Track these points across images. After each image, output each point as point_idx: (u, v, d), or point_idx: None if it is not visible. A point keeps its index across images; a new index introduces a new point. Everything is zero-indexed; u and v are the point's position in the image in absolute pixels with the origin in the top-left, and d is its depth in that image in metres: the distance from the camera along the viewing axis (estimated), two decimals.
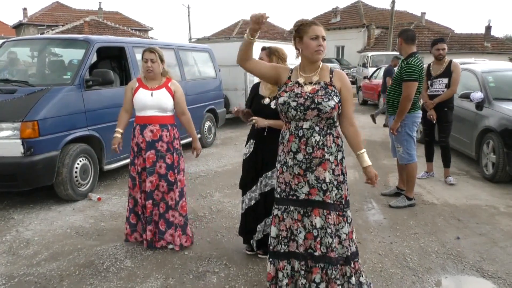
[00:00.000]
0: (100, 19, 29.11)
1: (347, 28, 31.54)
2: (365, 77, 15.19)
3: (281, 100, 2.48)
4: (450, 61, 5.34)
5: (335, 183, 2.48)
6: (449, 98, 5.29)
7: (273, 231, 2.58)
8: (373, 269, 3.26)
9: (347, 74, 20.70)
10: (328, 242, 2.46)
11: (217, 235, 3.89)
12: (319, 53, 2.45)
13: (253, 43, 2.48)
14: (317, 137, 2.44)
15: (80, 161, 4.83)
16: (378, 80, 13.76)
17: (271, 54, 3.26)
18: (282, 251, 2.55)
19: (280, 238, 2.56)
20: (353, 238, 2.58)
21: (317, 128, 2.45)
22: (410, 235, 3.90)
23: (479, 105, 5.95)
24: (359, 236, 3.86)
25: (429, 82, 5.40)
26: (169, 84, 3.53)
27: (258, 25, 2.38)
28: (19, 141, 4.18)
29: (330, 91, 2.45)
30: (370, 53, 20.04)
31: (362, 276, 2.60)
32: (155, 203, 3.51)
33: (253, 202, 3.30)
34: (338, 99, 2.45)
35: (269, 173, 3.21)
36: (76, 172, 4.76)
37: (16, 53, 6.06)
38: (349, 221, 2.54)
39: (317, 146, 2.44)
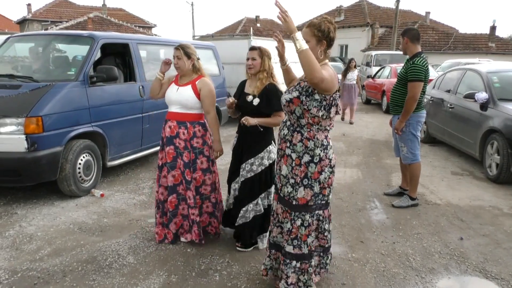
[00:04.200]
0: (104, 16, 29.11)
1: (351, 27, 31.43)
2: (368, 76, 15.15)
3: None
4: None
5: (291, 181, 2.53)
6: None
7: None
8: (375, 269, 3.26)
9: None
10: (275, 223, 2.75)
11: (220, 233, 3.89)
12: None
13: (288, 69, 2.97)
14: (285, 131, 2.58)
15: (84, 157, 4.83)
16: (382, 80, 13.73)
17: (263, 55, 3.37)
18: None
19: None
20: (303, 239, 2.58)
21: (288, 123, 2.58)
22: (413, 235, 3.90)
23: (484, 106, 5.93)
24: (362, 236, 3.86)
25: None
26: (197, 82, 3.47)
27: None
28: (23, 136, 4.19)
29: (297, 86, 2.51)
30: (374, 52, 19.98)
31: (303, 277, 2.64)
32: (181, 197, 3.54)
33: (237, 192, 3.46)
34: (297, 94, 2.44)
35: (243, 165, 3.36)
36: (79, 168, 4.77)
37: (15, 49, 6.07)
38: (299, 223, 2.56)
39: (284, 139, 2.57)
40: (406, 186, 4.86)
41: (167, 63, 3.58)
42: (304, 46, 2.23)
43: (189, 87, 3.46)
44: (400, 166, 4.94)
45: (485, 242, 3.78)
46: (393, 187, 5.24)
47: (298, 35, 2.25)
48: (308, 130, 2.48)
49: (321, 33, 2.46)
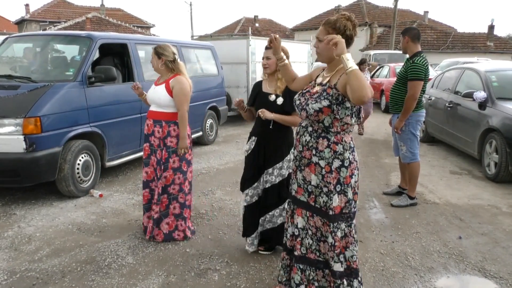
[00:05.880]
0: (102, 16, 29.07)
1: None
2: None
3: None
4: None
5: (325, 190, 2.35)
6: None
7: None
8: (375, 268, 3.26)
9: None
10: (309, 243, 2.47)
11: (219, 233, 3.89)
12: (317, 54, 2.47)
13: (287, 66, 2.75)
14: (307, 138, 2.40)
15: (82, 157, 4.83)
16: (380, 79, 13.74)
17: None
18: (284, 241, 2.70)
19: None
20: (342, 253, 2.38)
21: (310, 129, 2.40)
22: (412, 234, 3.90)
23: (482, 105, 5.94)
24: (361, 235, 3.86)
25: None
26: (170, 80, 3.56)
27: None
28: (22, 137, 4.18)
29: (325, 94, 2.31)
30: (372, 52, 20.03)
31: None
32: (152, 193, 3.67)
33: (254, 198, 3.33)
34: (328, 103, 2.27)
35: (270, 170, 3.24)
36: (78, 169, 4.76)
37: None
38: (339, 235, 2.36)
39: (306, 147, 2.40)
40: (405, 186, 4.87)
41: (135, 88, 3.80)
42: (353, 66, 2.09)
43: (163, 86, 3.56)
44: (399, 165, 4.95)
45: (484, 241, 3.78)
46: (392, 186, 5.25)
47: (347, 56, 2.11)
48: (335, 134, 2.34)
49: (335, 31, 2.30)
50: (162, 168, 3.56)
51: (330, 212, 2.34)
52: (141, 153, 5.86)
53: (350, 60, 2.10)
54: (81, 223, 4.11)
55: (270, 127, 3.16)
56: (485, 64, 8.12)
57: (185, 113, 3.55)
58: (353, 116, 2.33)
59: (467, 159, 6.65)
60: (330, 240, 2.37)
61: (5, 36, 6.44)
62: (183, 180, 3.63)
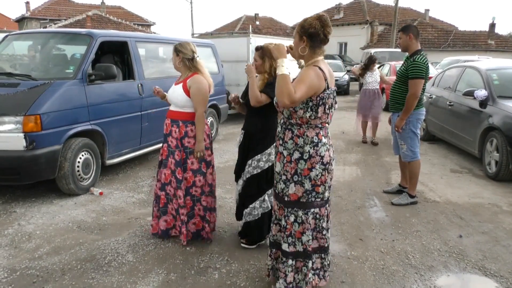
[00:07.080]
0: (102, 14, 29.05)
1: (350, 24, 31.40)
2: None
3: None
4: None
5: (283, 177, 2.57)
6: None
7: None
8: (375, 267, 3.26)
9: (348, 71, 20.10)
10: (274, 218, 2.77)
11: (219, 231, 3.89)
12: None
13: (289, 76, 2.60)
14: (279, 129, 2.64)
15: (82, 155, 4.82)
16: None
17: (264, 55, 3.29)
18: None
19: None
20: (297, 236, 2.57)
21: (281, 121, 2.62)
22: (412, 233, 3.90)
23: (483, 103, 5.93)
24: (361, 233, 3.86)
25: None
26: (188, 79, 3.45)
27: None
28: (22, 134, 4.18)
29: None
30: (373, 50, 19.99)
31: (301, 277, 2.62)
32: (168, 197, 3.56)
33: (239, 188, 3.47)
34: None
35: (249, 161, 3.34)
36: (78, 167, 4.76)
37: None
38: (292, 219, 2.56)
39: (278, 137, 2.64)
40: (405, 184, 4.86)
41: (155, 92, 3.77)
42: (281, 72, 2.31)
43: (180, 85, 3.47)
44: (399, 164, 4.94)
45: (484, 239, 3.78)
46: (392, 185, 5.24)
47: (281, 61, 2.36)
48: (298, 127, 2.50)
49: (302, 29, 2.43)
50: (182, 168, 3.47)
51: (286, 198, 2.57)
52: (141, 151, 5.93)
53: (280, 66, 2.34)
54: (81, 221, 4.11)
55: (242, 102, 3.42)
56: (486, 62, 8.11)
57: (202, 114, 3.43)
58: (309, 110, 2.43)
59: (468, 157, 6.64)
60: (282, 222, 2.62)
61: (5, 34, 6.43)
62: (204, 182, 3.55)
